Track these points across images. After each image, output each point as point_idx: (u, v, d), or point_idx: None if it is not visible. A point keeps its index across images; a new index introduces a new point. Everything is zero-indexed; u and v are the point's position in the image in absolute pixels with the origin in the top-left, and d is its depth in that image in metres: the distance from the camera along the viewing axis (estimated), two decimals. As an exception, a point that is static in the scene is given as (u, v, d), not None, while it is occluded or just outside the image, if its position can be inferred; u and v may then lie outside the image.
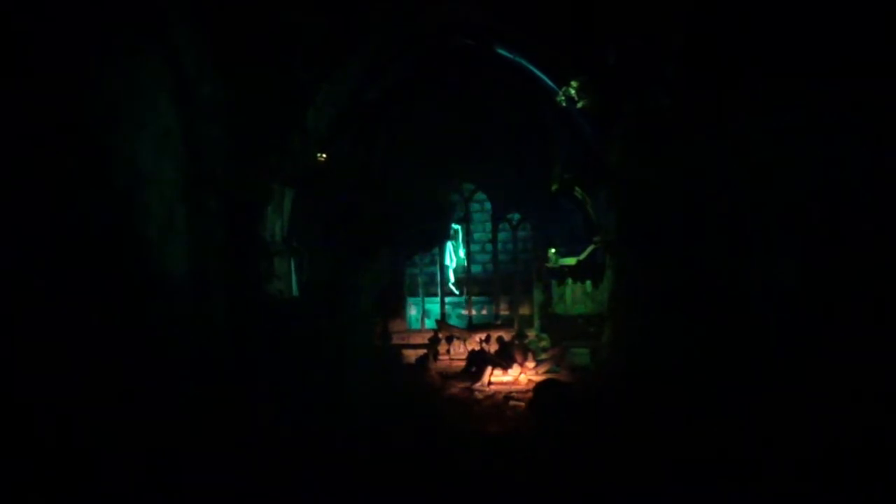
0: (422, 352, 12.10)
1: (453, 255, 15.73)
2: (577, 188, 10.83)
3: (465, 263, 15.44)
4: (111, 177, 4.53)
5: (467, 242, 15.51)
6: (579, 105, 8.48)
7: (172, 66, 5.45)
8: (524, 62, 9.83)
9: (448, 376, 10.71)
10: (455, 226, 15.57)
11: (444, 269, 15.27)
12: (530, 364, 11.01)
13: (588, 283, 11.74)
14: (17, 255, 3.63)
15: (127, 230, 4.71)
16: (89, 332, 4.10)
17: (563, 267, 12.07)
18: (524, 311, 14.24)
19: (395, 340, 13.34)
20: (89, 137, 4.31)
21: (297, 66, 7.21)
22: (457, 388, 9.95)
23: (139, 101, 5.00)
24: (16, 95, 3.66)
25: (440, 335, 12.90)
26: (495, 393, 9.50)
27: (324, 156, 9.75)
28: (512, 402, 8.75)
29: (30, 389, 3.64)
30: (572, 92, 8.49)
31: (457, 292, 15.59)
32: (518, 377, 10.48)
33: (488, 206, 15.28)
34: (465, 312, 15.18)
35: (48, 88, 3.87)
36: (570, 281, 11.99)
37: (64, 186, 3.97)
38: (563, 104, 8.82)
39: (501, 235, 15.09)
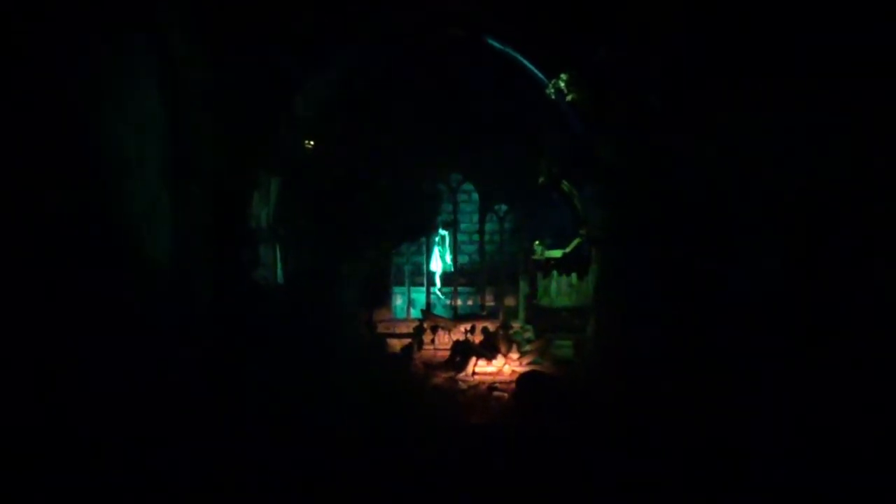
0: (407, 341, 12.13)
1: (439, 261, 15.72)
2: (564, 181, 10.84)
3: (452, 269, 15.44)
4: (92, 162, 4.47)
5: (454, 244, 15.47)
6: (569, 98, 8.48)
7: (158, 50, 5.37)
8: (514, 53, 9.80)
9: (432, 366, 10.75)
10: (442, 231, 15.57)
11: (429, 269, 15.25)
12: (514, 355, 11.08)
13: (573, 275, 11.81)
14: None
15: (109, 216, 4.65)
16: (71, 320, 4.06)
17: (548, 259, 12.12)
18: (509, 302, 14.29)
19: (381, 329, 13.34)
20: (70, 121, 4.24)
21: (286, 54, 7.14)
22: (441, 377, 10.00)
23: (123, 86, 4.92)
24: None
25: (425, 325, 12.92)
26: (479, 383, 9.56)
27: (311, 143, 9.68)
28: (496, 393, 8.81)
29: (13, 375, 3.61)
30: (562, 84, 8.48)
31: (444, 292, 15.61)
32: (502, 368, 10.54)
33: (475, 196, 15.28)
34: (450, 303, 15.21)
35: (26, 70, 3.80)
36: (555, 273, 12.05)
37: (43, 171, 3.91)
38: (553, 97, 8.81)
39: (488, 226, 15.09)
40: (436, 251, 15.65)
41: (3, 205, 3.65)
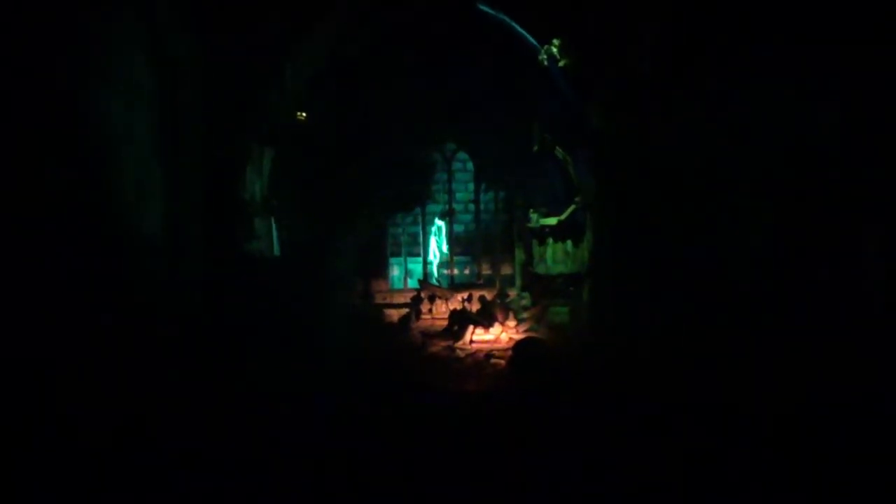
0: (404, 311, 12.21)
1: (437, 251, 15.70)
2: (558, 148, 10.81)
3: (449, 258, 15.41)
4: (82, 134, 4.43)
5: (450, 233, 15.43)
6: (561, 64, 8.41)
7: (146, 21, 5.28)
8: (507, 19, 9.69)
9: (430, 335, 10.83)
10: (438, 222, 15.54)
11: (427, 252, 15.22)
12: (511, 323, 11.16)
13: (569, 242, 11.83)
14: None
15: (100, 189, 4.63)
16: (62, 294, 4.06)
17: (543, 227, 12.14)
18: (506, 270, 14.36)
19: (378, 300, 13.42)
20: (59, 93, 4.20)
21: (274, 23, 7.03)
22: (439, 346, 10.09)
23: (111, 57, 4.85)
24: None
25: (423, 294, 12.99)
26: (477, 351, 9.65)
27: (304, 114, 9.61)
28: (493, 360, 8.90)
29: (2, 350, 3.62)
30: (554, 50, 8.41)
31: (440, 263, 15.62)
32: (499, 336, 10.64)
33: (470, 165, 15.23)
34: (447, 272, 15.26)
35: (14, 42, 3.75)
36: (550, 241, 12.08)
37: (32, 144, 3.89)
38: (545, 63, 8.74)
39: (484, 195, 15.07)
40: (432, 240, 15.63)
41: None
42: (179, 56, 5.86)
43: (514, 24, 9.56)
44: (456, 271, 15.21)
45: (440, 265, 15.55)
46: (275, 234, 9.42)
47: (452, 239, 15.38)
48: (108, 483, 3.91)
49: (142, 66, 5.36)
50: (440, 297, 12.98)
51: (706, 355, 5.70)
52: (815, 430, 4.41)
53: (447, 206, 15.18)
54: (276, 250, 9.44)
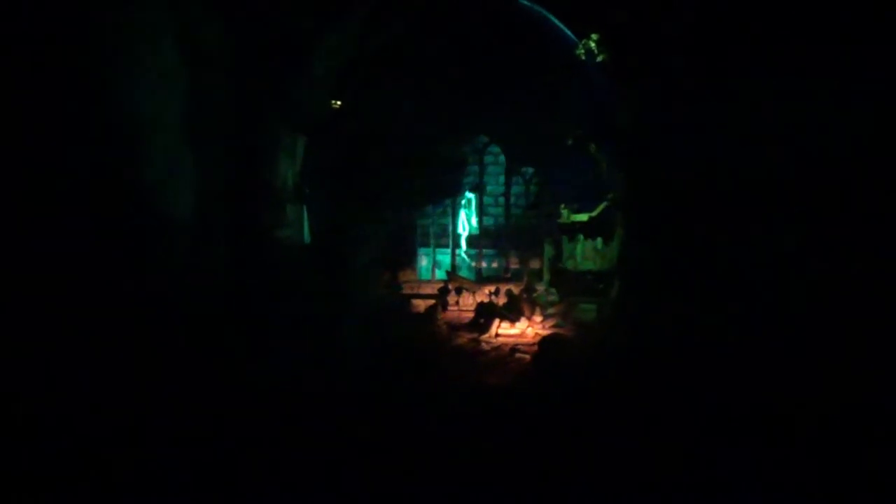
0: (431, 302, 12.26)
1: (466, 223, 15.69)
2: (591, 144, 10.71)
3: (478, 232, 15.41)
4: (113, 119, 4.50)
5: (480, 207, 15.44)
6: (599, 59, 8.31)
7: (175, 8, 5.33)
8: (544, 12, 9.61)
9: (456, 327, 10.87)
10: (469, 194, 15.54)
11: (455, 231, 15.25)
12: (537, 318, 11.13)
13: (599, 240, 11.74)
14: (17, 197, 3.67)
15: (129, 173, 4.70)
16: (89, 278, 4.14)
17: (574, 223, 12.06)
18: (534, 265, 14.31)
19: (406, 290, 13.49)
20: (90, 78, 4.27)
21: (304, 10, 7.04)
22: (464, 338, 10.12)
23: (141, 43, 4.89)
24: (13, 31, 3.63)
25: (450, 286, 13.03)
26: (502, 345, 9.65)
27: (338, 103, 9.68)
28: (518, 355, 8.89)
29: (28, 332, 3.71)
30: (592, 45, 8.31)
31: (469, 254, 15.65)
32: (525, 330, 10.61)
33: (502, 158, 15.19)
34: (475, 265, 15.27)
35: (46, 27, 3.83)
36: (581, 237, 12.00)
37: (64, 127, 3.96)
38: (583, 57, 8.64)
39: (514, 189, 15.03)
40: (462, 214, 15.65)
41: (24, 159, 3.73)
42: (210, 44, 5.89)
43: (552, 17, 9.48)
44: (484, 264, 15.22)
45: (468, 238, 15.53)
46: (306, 221, 9.53)
47: (482, 211, 15.37)
48: (135, 468, 4.01)
49: (172, 53, 5.39)
50: (467, 290, 13.00)
51: (734, 356, 5.62)
52: (845, 433, 4.34)
53: (478, 180, 15.13)
54: (307, 237, 9.55)
